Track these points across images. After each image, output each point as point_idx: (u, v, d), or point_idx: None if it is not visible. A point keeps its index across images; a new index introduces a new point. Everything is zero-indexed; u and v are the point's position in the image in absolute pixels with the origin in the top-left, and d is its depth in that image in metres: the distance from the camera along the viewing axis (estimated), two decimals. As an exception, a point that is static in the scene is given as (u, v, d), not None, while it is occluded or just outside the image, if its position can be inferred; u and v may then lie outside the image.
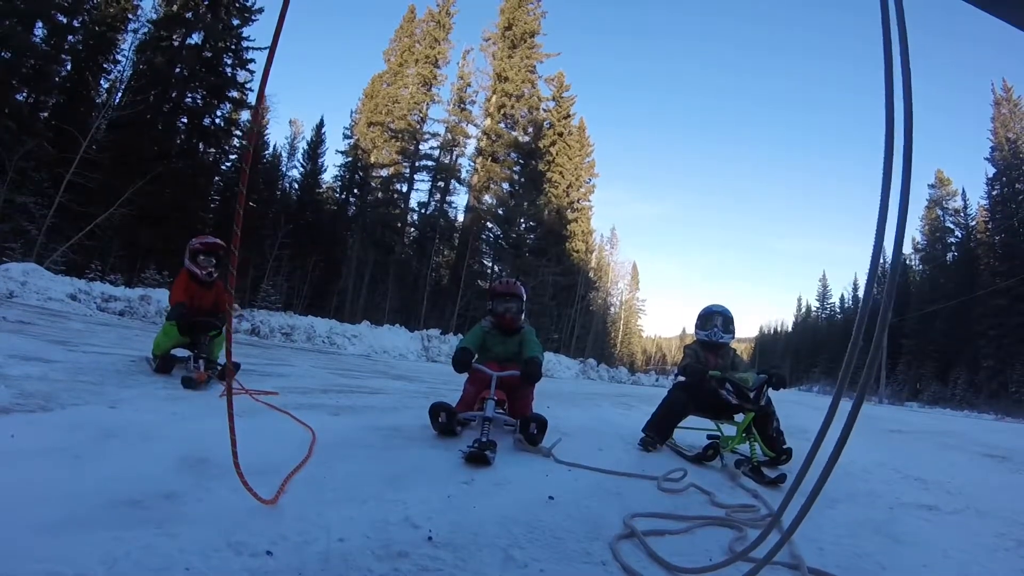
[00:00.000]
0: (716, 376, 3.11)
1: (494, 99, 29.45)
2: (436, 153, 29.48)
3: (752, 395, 2.98)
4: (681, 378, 3.38)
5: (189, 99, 23.93)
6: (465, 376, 3.13)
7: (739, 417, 3.17)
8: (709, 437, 3.24)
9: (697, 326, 3.55)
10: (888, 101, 1.13)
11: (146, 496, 1.45)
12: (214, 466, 1.74)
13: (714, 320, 3.47)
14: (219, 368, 3.70)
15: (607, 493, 2.16)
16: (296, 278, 24.73)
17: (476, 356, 3.16)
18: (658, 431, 3.35)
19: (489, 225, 30.48)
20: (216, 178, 25.87)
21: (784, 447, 2.92)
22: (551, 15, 32.97)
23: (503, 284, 3.45)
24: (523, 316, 3.41)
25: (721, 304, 3.54)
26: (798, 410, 9.08)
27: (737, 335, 3.63)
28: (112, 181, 18.32)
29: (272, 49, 1.54)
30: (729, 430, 3.28)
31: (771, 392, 3.10)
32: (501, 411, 2.87)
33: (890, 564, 1.64)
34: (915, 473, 3.42)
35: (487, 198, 29.93)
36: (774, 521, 1.13)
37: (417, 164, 29.12)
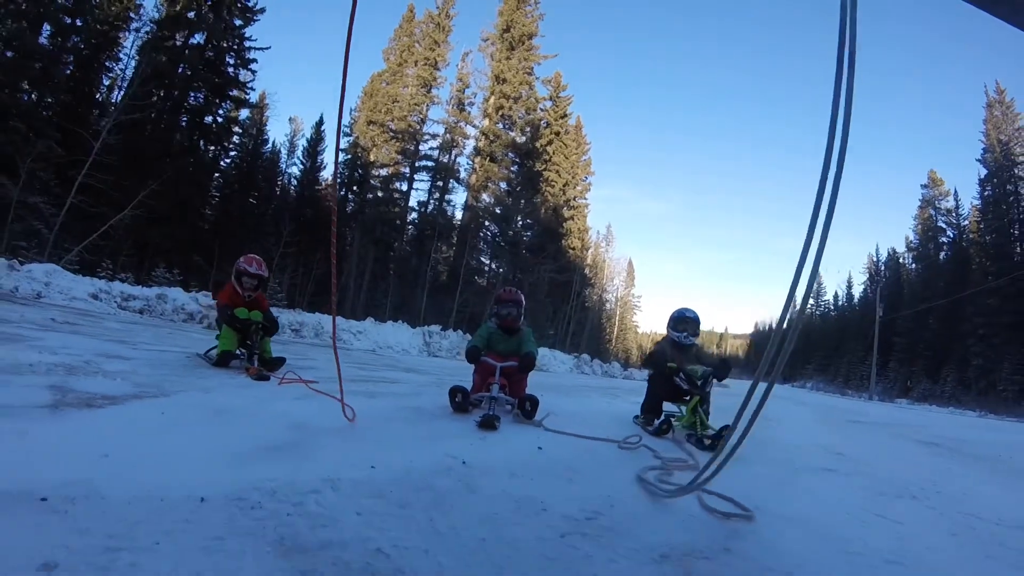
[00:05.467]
0: (672, 368, 3.80)
1: (492, 100, 29.95)
2: (436, 154, 30.04)
3: (700, 383, 3.68)
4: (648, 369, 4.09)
5: (192, 98, 24.37)
6: (473, 367, 3.81)
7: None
8: (667, 414, 3.96)
9: (669, 327, 4.21)
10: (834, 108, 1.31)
11: (280, 444, 2.13)
12: (312, 428, 2.47)
13: (686, 327, 4.12)
14: (271, 360, 4.43)
15: (580, 449, 2.88)
16: (299, 275, 25.33)
17: (483, 352, 3.81)
18: (650, 410, 4.06)
19: (487, 223, 31.10)
20: (216, 175, 26.38)
21: (723, 425, 3.61)
22: (549, 14, 33.52)
23: (506, 292, 4.08)
24: (522, 318, 4.09)
25: (691, 309, 4.18)
26: (776, 403, 9.77)
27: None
28: (120, 181, 18.75)
29: (346, 63, 2.02)
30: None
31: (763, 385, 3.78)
32: (503, 393, 3.58)
33: (776, 500, 2.28)
34: (837, 450, 4.10)
35: (485, 197, 30.50)
36: (711, 463, 1.77)
37: (417, 164, 29.68)
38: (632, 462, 2.63)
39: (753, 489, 2.22)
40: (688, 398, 3.81)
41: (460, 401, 3.44)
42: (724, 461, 1.75)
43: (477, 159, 29.98)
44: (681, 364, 3.83)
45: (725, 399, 4.07)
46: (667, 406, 4.02)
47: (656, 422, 3.75)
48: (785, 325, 1.60)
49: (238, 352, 4.40)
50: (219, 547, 1.18)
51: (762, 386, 1.55)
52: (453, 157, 30.47)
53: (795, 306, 1.60)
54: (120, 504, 1.32)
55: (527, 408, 3.49)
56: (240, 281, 4.56)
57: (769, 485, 2.54)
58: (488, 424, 2.99)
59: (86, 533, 1.15)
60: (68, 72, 20.93)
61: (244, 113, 27.92)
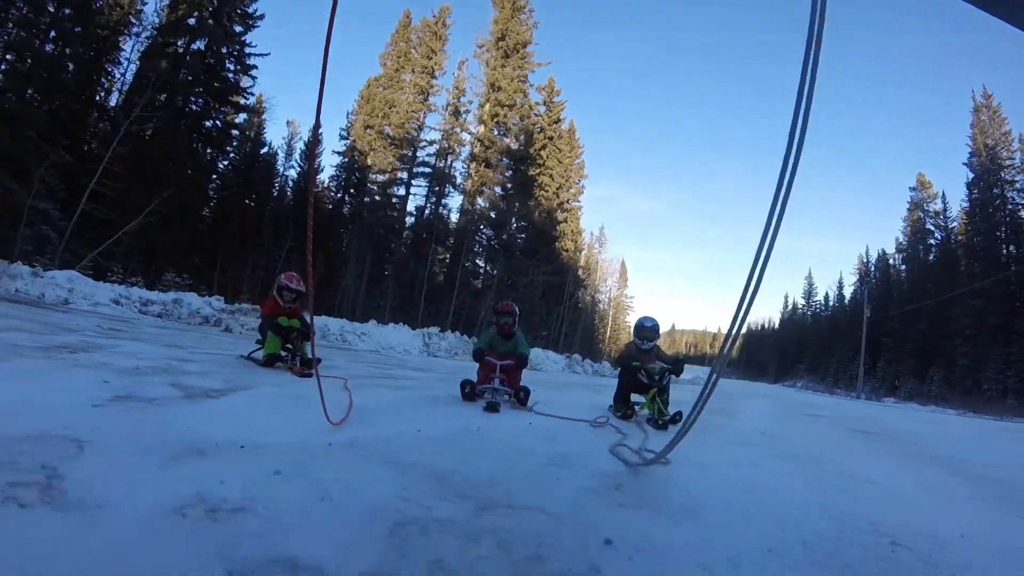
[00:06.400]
0: (636, 366, 4.79)
1: (487, 107, 30.82)
2: (432, 160, 30.87)
3: (657, 378, 4.67)
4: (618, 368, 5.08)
5: (193, 103, 24.91)
6: (477, 365, 4.78)
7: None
8: (633, 403, 4.92)
9: (634, 333, 5.19)
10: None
11: (351, 419, 2.98)
12: (368, 408, 3.38)
13: (644, 334, 5.06)
14: (309, 360, 5.29)
15: (561, 425, 3.86)
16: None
17: (486, 352, 4.77)
18: (620, 401, 4.99)
19: (482, 227, 31.97)
20: (214, 177, 27.00)
21: (676, 411, 4.55)
22: (543, 21, 34.36)
23: (503, 305, 5.06)
24: (516, 325, 5.04)
25: (651, 317, 5.14)
26: (742, 399, 10.79)
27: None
28: (128, 187, 19.28)
29: (323, 74, 2.70)
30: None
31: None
32: (503, 385, 4.54)
33: (692, 454, 3.16)
34: (770, 433, 5.16)
35: (480, 202, 31.39)
36: (671, 446, 2.72)
37: (414, 170, 30.50)
38: (597, 434, 3.60)
39: (679, 448, 3.17)
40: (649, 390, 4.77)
41: (469, 391, 4.42)
42: (677, 440, 2.62)
43: (472, 164, 30.87)
44: (643, 363, 4.81)
45: (695, 394, 5.06)
46: (634, 397, 4.97)
47: (623, 409, 4.71)
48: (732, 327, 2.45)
49: (282, 354, 5.29)
50: (352, 465, 2.13)
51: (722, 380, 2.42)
52: (449, 162, 31.35)
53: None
54: (282, 449, 2.24)
55: (521, 397, 4.50)
56: (281, 294, 5.47)
57: (693, 447, 3.48)
58: (492, 408, 3.97)
59: (280, 460, 2.06)
60: (70, 77, 21.23)
61: (242, 116, 28.58)
